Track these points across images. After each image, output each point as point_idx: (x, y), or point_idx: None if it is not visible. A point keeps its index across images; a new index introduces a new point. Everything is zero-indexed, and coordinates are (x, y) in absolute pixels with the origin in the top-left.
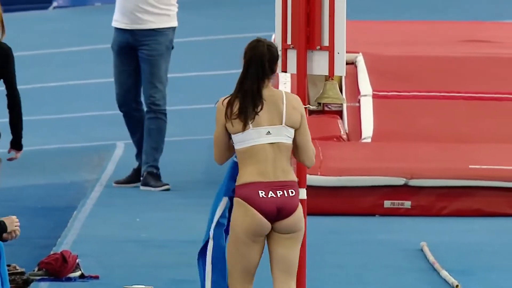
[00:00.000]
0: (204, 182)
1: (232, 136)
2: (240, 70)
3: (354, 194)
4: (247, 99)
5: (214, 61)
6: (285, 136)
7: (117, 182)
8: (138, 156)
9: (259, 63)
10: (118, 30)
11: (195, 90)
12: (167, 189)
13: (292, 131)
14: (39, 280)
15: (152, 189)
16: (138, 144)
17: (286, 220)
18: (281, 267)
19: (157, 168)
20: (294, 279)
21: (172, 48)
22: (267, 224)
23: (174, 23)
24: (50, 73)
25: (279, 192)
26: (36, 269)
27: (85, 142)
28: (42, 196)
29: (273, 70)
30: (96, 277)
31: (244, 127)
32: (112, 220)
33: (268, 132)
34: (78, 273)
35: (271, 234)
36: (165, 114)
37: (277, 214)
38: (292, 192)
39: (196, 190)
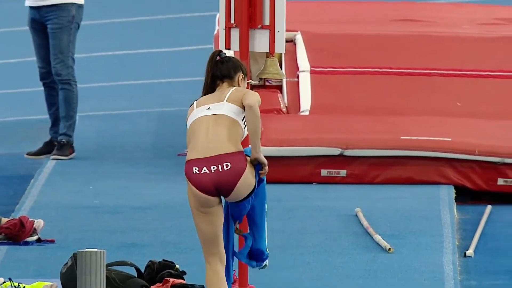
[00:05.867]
0: (151, 152)
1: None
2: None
3: (293, 163)
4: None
5: (161, 39)
6: (226, 109)
7: (29, 154)
8: (51, 129)
9: (210, 70)
10: (29, 8)
11: (143, 66)
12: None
13: (236, 107)
14: None
15: (62, 157)
16: (52, 117)
17: (229, 197)
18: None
19: (68, 136)
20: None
21: (78, 25)
22: (210, 198)
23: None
24: (10, 51)
25: (213, 167)
26: None
27: (43, 115)
28: (2, 165)
29: (224, 75)
30: (52, 241)
31: (192, 111)
32: (67, 188)
33: (209, 108)
34: (35, 237)
35: None
36: (69, 83)
37: (215, 189)
38: (227, 166)
39: (144, 159)
